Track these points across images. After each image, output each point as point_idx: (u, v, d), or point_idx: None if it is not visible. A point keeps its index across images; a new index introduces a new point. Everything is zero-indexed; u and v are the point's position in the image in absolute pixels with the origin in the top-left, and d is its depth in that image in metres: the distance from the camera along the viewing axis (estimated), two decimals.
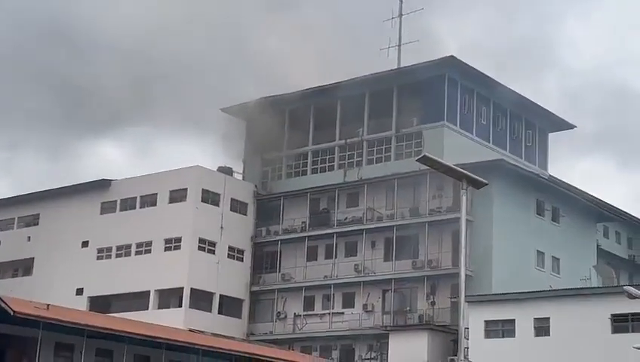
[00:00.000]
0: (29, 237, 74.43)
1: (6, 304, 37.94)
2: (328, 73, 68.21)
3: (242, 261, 68.38)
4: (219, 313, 66.28)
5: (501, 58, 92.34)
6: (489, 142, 66.99)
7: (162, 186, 67.17)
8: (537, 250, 62.87)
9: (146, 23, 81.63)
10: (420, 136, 64.15)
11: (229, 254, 67.44)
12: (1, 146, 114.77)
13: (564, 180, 72.16)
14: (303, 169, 70.05)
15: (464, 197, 18.73)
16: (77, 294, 68.26)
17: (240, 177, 72.00)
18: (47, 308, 40.26)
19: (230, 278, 66.92)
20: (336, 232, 65.27)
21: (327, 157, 68.84)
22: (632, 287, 35.83)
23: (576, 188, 71.12)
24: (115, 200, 69.79)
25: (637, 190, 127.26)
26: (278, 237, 68.07)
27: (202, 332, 55.73)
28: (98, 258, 69.23)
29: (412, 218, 62.31)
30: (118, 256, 68.33)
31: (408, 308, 61.52)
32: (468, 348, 49.14)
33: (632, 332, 46.97)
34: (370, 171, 65.59)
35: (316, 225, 66.72)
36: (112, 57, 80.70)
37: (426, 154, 17.99)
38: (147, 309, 64.11)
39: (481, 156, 60.73)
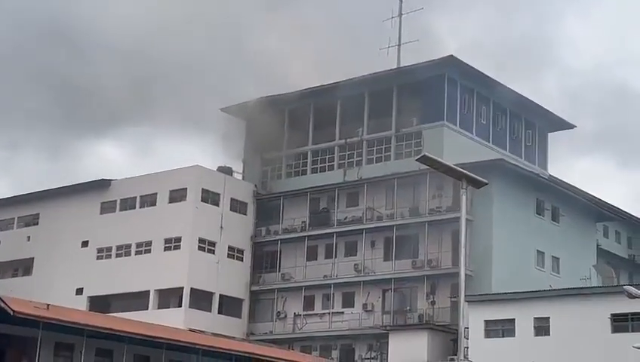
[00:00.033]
0: (29, 237, 74.45)
1: (6, 304, 37.92)
2: (328, 73, 68.37)
3: (242, 261, 68.40)
4: (219, 313, 66.30)
5: (501, 58, 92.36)
6: (489, 142, 67.01)
7: (162, 186, 67.18)
8: (537, 250, 62.90)
9: (146, 22, 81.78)
10: (420, 136, 64.16)
11: (228, 254, 67.46)
12: (1, 146, 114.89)
13: (564, 180, 72.20)
14: (302, 168, 70.06)
15: (464, 197, 18.75)
16: (77, 294, 68.27)
17: (240, 177, 72.02)
18: (47, 308, 40.24)
19: (230, 278, 66.93)
20: (336, 232, 65.27)
21: (327, 156, 68.84)
22: (632, 287, 35.78)
23: (576, 188, 71.14)
24: (115, 200, 69.80)
25: (637, 189, 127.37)
26: (277, 237, 68.07)
27: (202, 332, 55.72)
28: (98, 258, 69.25)
29: (412, 217, 62.32)
30: (117, 255, 68.34)
31: (408, 308, 61.53)
32: (468, 347, 49.19)
33: (632, 331, 46.98)
34: (370, 171, 65.60)
35: (316, 224, 66.72)
36: (112, 57, 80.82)
37: (426, 153, 17.99)
38: (147, 309, 64.12)
39: (481, 156, 60.75)
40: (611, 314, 48.20)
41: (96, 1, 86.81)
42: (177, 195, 66.71)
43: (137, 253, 67.35)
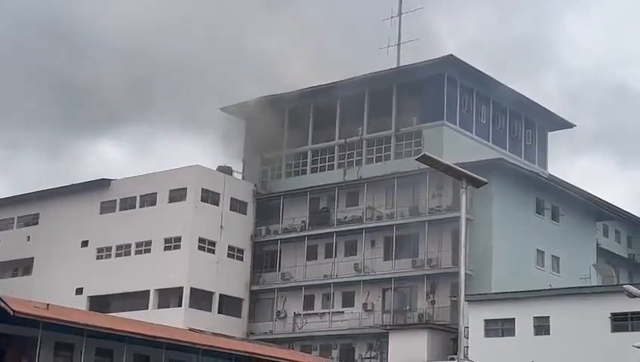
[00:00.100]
0: (29, 237, 74.44)
1: (6, 304, 37.91)
2: (328, 72, 68.34)
3: (242, 260, 68.40)
4: (219, 312, 66.30)
5: (500, 57, 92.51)
6: (488, 141, 67.01)
7: (162, 186, 67.18)
8: (537, 249, 62.91)
9: (146, 23, 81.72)
10: (420, 135, 64.15)
11: (228, 253, 67.46)
12: (1, 146, 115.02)
13: (563, 179, 72.19)
14: (302, 168, 70.06)
15: (464, 196, 18.74)
16: (77, 294, 68.27)
17: (240, 176, 72.03)
18: (47, 308, 40.23)
19: (230, 278, 66.93)
20: (335, 231, 65.28)
21: (327, 156, 68.84)
22: (631, 286, 35.81)
23: (576, 187, 71.15)
24: (115, 200, 69.80)
25: (636, 189, 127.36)
26: (277, 237, 68.07)
27: (202, 331, 55.69)
28: (98, 257, 69.25)
29: (412, 217, 62.32)
30: (117, 255, 68.34)
31: (408, 307, 61.54)
32: (468, 347, 49.25)
33: (632, 331, 47.00)
34: (370, 170, 65.60)
35: (316, 224, 66.72)
36: (112, 57, 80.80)
37: (426, 153, 17.98)
38: (147, 309, 64.11)
39: (481, 155, 60.75)
40: (611, 314, 48.21)
41: (96, 1, 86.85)
42: (177, 195, 66.71)
43: (137, 252, 67.36)
